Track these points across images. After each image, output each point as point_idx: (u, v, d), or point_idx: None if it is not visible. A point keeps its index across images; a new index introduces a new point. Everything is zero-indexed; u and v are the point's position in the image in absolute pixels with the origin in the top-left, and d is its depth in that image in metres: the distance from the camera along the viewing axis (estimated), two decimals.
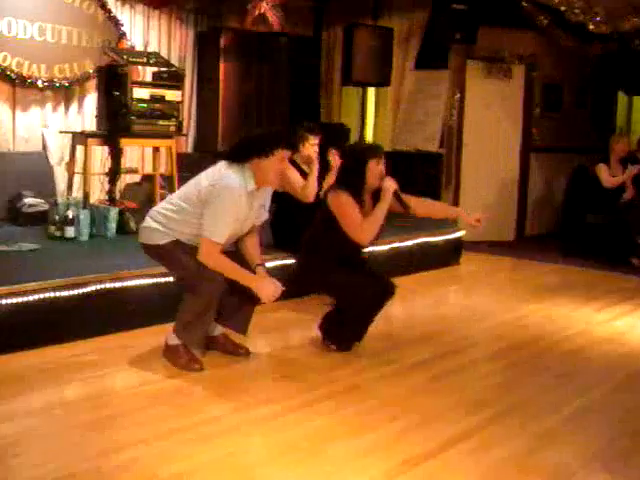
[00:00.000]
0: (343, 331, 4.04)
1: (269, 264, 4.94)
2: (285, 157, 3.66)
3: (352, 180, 3.95)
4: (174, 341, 3.72)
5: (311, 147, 5.00)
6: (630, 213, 6.94)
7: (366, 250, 5.54)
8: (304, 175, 5.00)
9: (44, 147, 6.55)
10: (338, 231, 3.90)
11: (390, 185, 3.92)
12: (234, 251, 3.77)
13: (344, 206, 3.88)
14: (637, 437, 3.09)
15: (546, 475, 2.69)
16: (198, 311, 3.65)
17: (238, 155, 3.63)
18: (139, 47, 7.11)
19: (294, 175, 4.90)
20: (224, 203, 3.51)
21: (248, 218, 3.71)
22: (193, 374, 3.59)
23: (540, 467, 2.75)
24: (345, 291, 3.93)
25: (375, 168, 3.94)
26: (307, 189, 4.86)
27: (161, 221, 3.67)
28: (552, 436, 3.05)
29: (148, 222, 3.73)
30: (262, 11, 7.22)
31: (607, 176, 7.14)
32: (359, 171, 3.93)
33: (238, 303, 3.81)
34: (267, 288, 3.62)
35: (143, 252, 3.81)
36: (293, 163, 5.00)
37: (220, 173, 3.58)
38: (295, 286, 4.17)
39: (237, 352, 3.91)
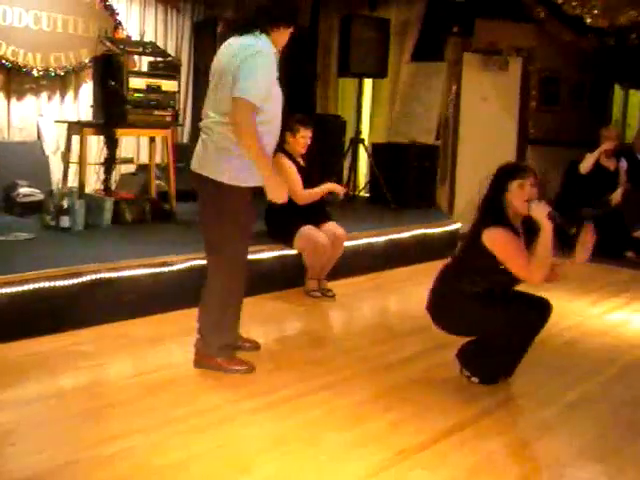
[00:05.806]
0: (490, 363, 3.48)
1: (265, 255, 4.97)
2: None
3: (493, 209, 3.38)
4: (207, 350, 3.51)
5: (302, 139, 5.02)
6: (625, 207, 6.95)
7: (356, 243, 5.56)
8: (297, 166, 5.03)
9: (39, 136, 6.54)
10: (493, 266, 3.33)
11: (542, 210, 3.33)
12: None
13: (501, 244, 3.30)
14: (630, 429, 3.11)
15: (540, 466, 2.71)
16: (223, 302, 3.44)
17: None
18: (135, 37, 7.09)
19: (294, 176, 4.94)
20: (257, 61, 3.23)
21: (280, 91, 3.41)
22: (188, 365, 3.58)
23: (534, 458, 2.76)
24: (503, 323, 3.34)
25: (518, 192, 3.35)
26: (302, 197, 4.95)
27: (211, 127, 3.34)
28: (546, 427, 3.06)
29: (200, 137, 3.42)
30: None
31: (584, 163, 7.10)
32: (497, 197, 3.37)
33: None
34: (279, 189, 3.35)
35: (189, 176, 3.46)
36: (287, 154, 5.01)
37: (245, 42, 3.28)
38: (439, 323, 3.55)
39: (243, 347, 3.76)
